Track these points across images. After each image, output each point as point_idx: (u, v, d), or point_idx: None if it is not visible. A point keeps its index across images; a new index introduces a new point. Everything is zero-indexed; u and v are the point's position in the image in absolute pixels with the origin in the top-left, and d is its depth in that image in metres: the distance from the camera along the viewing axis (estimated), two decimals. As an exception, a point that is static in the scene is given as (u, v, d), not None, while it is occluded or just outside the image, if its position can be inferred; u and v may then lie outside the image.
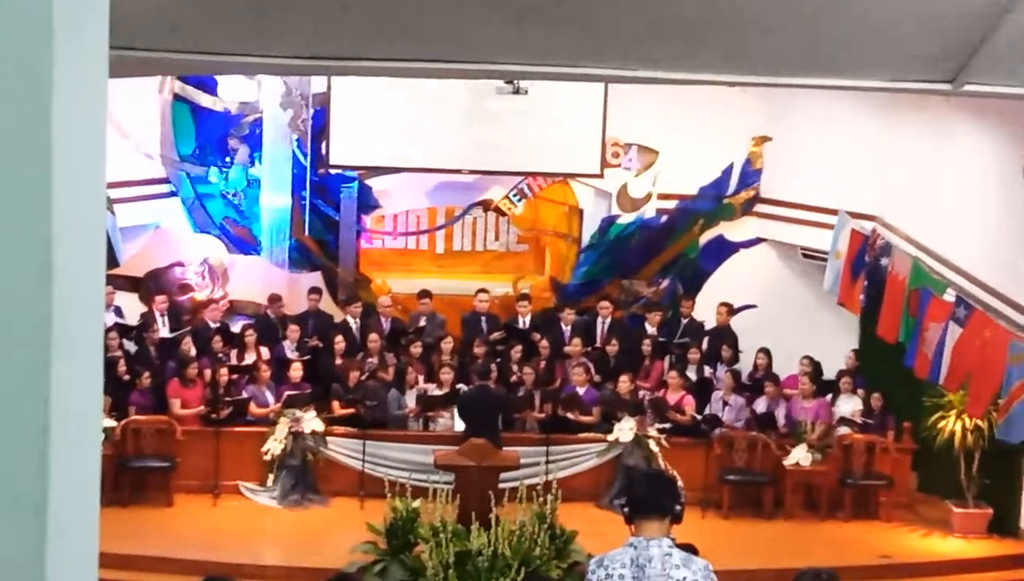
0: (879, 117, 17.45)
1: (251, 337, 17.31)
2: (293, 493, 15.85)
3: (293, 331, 17.63)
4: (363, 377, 16.85)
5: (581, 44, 5.57)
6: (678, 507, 6.36)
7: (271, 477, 15.84)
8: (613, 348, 17.94)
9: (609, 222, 19.59)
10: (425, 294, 18.64)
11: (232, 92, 18.67)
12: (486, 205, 19.70)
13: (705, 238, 19.63)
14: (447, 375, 16.78)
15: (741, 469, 16.41)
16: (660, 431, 16.19)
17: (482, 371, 16.47)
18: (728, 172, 19.29)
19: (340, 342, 17.40)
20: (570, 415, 16.73)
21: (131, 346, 17.11)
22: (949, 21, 5.14)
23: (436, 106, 18.46)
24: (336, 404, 16.57)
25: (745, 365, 18.01)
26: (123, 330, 17.06)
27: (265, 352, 17.30)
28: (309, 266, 19.34)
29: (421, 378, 17.15)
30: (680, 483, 14.31)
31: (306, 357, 17.23)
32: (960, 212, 16.72)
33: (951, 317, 14.30)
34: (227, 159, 18.91)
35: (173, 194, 18.81)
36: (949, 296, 14.67)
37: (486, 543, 12.53)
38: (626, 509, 6.38)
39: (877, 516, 16.31)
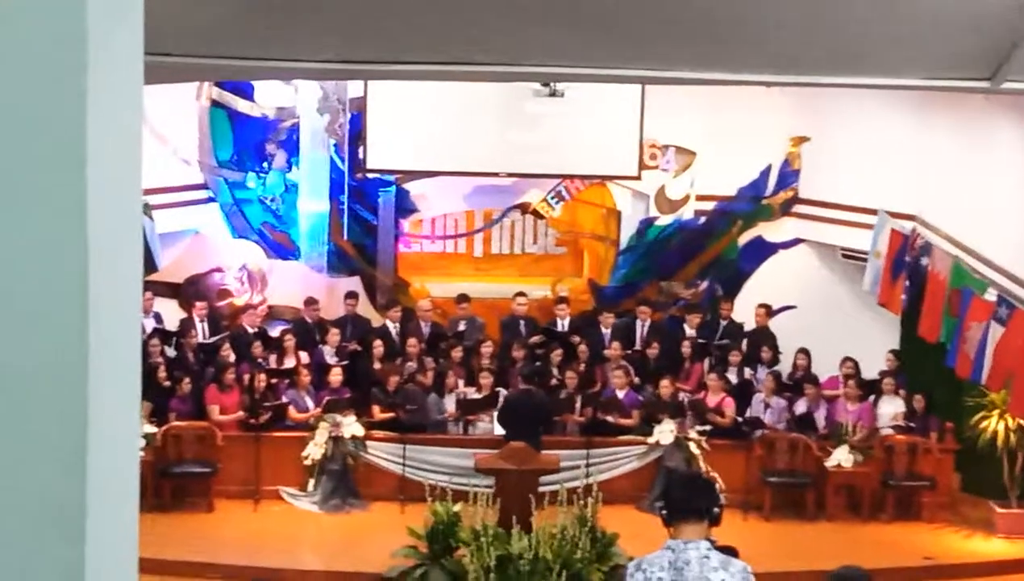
0: (917, 116, 17.36)
1: (290, 342, 17.33)
2: (334, 498, 15.87)
3: (333, 336, 17.65)
4: (402, 381, 16.87)
5: (617, 46, 5.56)
6: (716, 509, 6.33)
7: (311, 482, 15.86)
8: (653, 351, 17.90)
9: (647, 224, 19.55)
10: (464, 298, 18.65)
11: (269, 97, 18.72)
12: (524, 208, 19.69)
13: (744, 239, 19.56)
14: (486, 379, 16.77)
15: (783, 471, 16.34)
16: (700, 433, 16.14)
17: (528, 375, 16.42)
18: (766, 173, 19.22)
19: (379, 346, 17.41)
20: (609, 418, 16.70)
21: (171, 352, 17.18)
22: (987, 19, 5.11)
23: (473, 109, 18.44)
24: (376, 408, 16.59)
25: (784, 366, 17.94)
26: (163, 336, 17.14)
27: (304, 357, 17.33)
28: (348, 271, 19.36)
29: (461, 382, 17.14)
30: (720, 485, 14.33)
31: (345, 362, 17.25)
32: (1000, 210, 16.61)
33: (993, 316, 14.21)
34: (265, 164, 18.96)
35: (211, 200, 18.86)
36: (990, 295, 14.59)
37: (527, 547, 12.51)
38: (664, 512, 6.36)
39: (920, 517, 16.20)
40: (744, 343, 18.27)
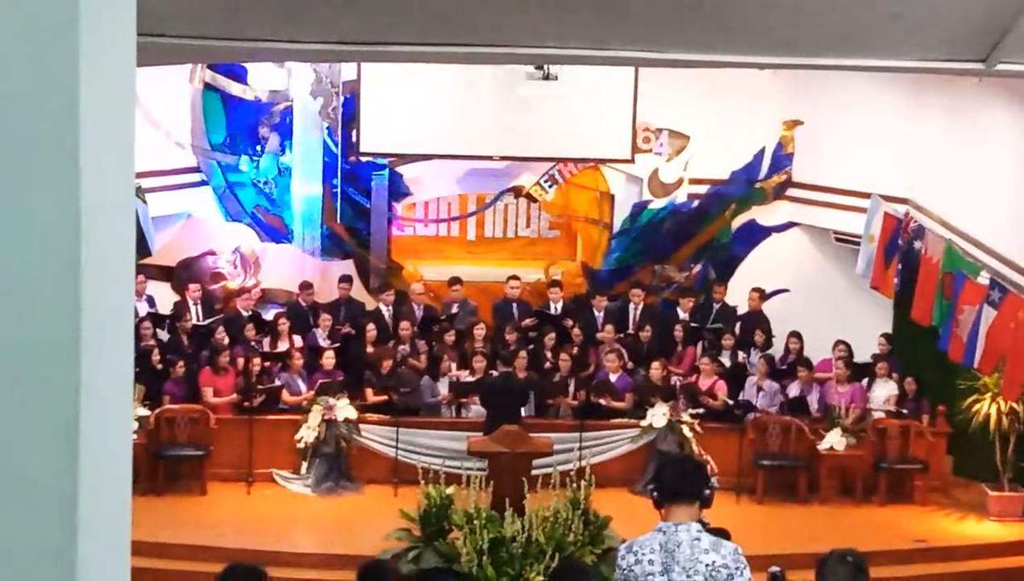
0: (910, 99, 17.36)
1: (284, 325, 17.33)
2: (327, 480, 15.88)
3: (326, 319, 17.64)
4: (395, 364, 16.87)
5: (610, 27, 5.55)
6: (707, 491, 6.33)
7: (305, 465, 15.86)
8: (646, 334, 17.90)
9: (640, 207, 19.53)
10: (456, 281, 18.64)
11: (262, 81, 18.69)
12: (517, 191, 19.67)
13: (737, 223, 19.56)
14: (479, 362, 16.78)
15: (775, 454, 16.36)
16: (693, 416, 16.15)
17: (507, 358, 16.45)
18: (760, 156, 19.21)
19: (372, 330, 17.40)
20: (602, 401, 16.72)
21: (164, 335, 17.17)
22: (980, 1, 5.10)
23: (466, 93, 18.44)
24: (369, 391, 16.60)
25: (777, 349, 17.95)
26: (156, 320, 17.13)
27: (298, 340, 17.32)
28: (341, 254, 19.35)
29: (454, 365, 17.16)
30: (712, 468, 14.35)
31: (338, 345, 17.25)
32: (993, 194, 16.62)
33: (985, 300, 14.23)
34: (258, 148, 18.93)
35: (204, 183, 18.84)
36: (983, 279, 14.59)
37: (520, 529, 12.54)
38: (655, 494, 6.36)
39: (912, 500, 16.23)
40: (737, 326, 18.28)
